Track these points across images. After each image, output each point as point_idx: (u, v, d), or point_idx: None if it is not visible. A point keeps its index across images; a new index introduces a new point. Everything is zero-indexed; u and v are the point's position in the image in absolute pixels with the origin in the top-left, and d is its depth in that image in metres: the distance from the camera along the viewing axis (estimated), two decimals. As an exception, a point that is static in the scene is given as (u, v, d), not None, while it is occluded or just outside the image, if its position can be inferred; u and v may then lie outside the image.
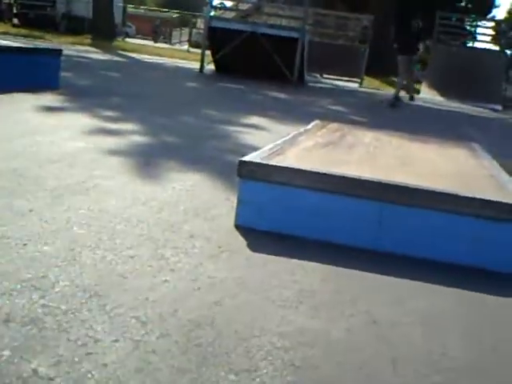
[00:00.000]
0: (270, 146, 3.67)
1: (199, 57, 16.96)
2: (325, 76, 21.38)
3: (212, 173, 4.28)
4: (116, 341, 1.84)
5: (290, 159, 3.31)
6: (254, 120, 7.69)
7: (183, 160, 4.64)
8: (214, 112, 8.09)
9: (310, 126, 4.85)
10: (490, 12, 33.99)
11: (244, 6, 30.92)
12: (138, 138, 5.38)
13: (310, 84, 17.49)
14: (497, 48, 26.43)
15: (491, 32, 27.85)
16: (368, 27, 22.93)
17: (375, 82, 23.01)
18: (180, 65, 18.86)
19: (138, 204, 3.31)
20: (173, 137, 5.73)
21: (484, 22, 29.34)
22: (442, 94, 19.35)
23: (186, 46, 34.31)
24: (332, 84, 19.64)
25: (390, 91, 20.31)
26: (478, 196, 2.94)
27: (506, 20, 34.00)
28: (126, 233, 2.83)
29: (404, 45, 14.66)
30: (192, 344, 1.88)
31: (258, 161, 3.10)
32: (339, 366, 1.89)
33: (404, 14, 27.92)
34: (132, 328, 1.93)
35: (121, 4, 33.02)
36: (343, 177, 2.98)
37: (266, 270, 2.59)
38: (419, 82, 22.67)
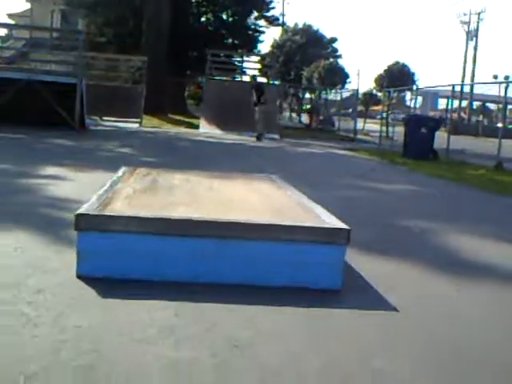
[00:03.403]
0: (95, 196, 3.82)
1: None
2: (104, 118, 21.38)
3: (34, 228, 4.31)
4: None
5: (121, 207, 3.50)
6: (52, 170, 7.64)
7: (4, 218, 4.60)
8: (5, 166, 7.90)
9: (120, 173, 5.02)
10: (255, 47, 36.19)
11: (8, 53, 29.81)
12: None
13: (92, 128, 17.40)
14: (265, 80, 28.14)
15: (258, 66, 29.84)
16: (142, 68, 23.42)
17: (154, 121, 23.49)
18: None
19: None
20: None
21: (252, 56, 31.19)
22: (221, 128, 20.29)
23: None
24: (113, 126, 19.72)
25: (169, 128, 20.95)
26: (294, 224, 3.37)
27: (269, 54, 36.31)
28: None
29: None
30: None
31: (94, 213, 3.26)
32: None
33: (177, 53, 28.97)
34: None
35: None
36: (174, 219, 3.26)
37: (128, 310, 2.78)
38: (198, 118, 23.58)
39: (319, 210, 3.97)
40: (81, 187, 6.43)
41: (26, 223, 4.48)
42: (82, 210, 3.31)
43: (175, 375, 2.23)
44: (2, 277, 3.20)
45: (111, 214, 3.28)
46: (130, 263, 3.25)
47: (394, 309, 3.18)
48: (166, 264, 3.26)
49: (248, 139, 17.70)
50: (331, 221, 3.58)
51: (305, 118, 36.81)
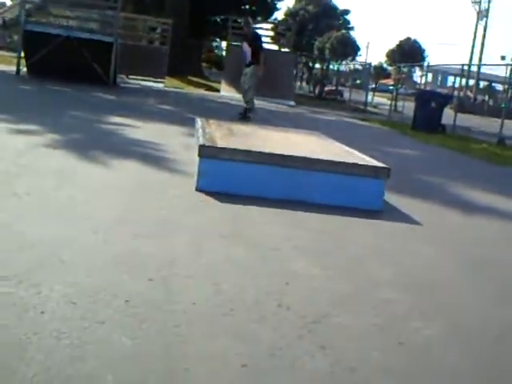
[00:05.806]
0: (201, 137, 5.12)
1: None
2: (130, 77, 22.53)
3: (141, 159, 5.68)
4: None
5: (224, 144, 4.85)
6: (117, 119, 8.96)
7: (112, 151, 5.94)
8: (77, 113, 9.27)
9: (200, 123, 6.32)
10: (272, 14, 37.29)
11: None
12: (54, 137, 6.46)
13: (122, 85, 18.54)
14: (276, 48, 29.10)
15: (271, 33, 30.82)
16: (168, 30, 24.52)
17: (174, 82, 24.66)
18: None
19: (121, 181, 4.69)
20: (78, 134, 6.93)
21: (264, 24, 32.15)
22: (240, 92, 21.45)
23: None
24: (140, 84, 20.89)
25: (190, 90, 22.20)
26: (352, 161, 4.74)
27: (282, 21, 37.37)
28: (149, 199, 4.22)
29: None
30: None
31: (212, 145, 4.62)
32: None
33: (194, 17, 30.05)
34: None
35: None
36: (271, 153, 4.63)
37: (242, 210, 4.17)
38: (213, 81, 24.72)
39: (363, 155, 5.33)
40: (152, 133, 7.80)
41: (133, 156, 5.82)
42: (202, 142, 4.66)
43: (287, 239, 3.60)
44: (150, 187, 4.60)
45: (224, 146, 4.64)
46: (236, 183, 4.61)
47: (418, 223, 4.60)
48: (262, 185, 4.62)
49: (267, 105, 18.85)
50: (375, 162, 4.96)
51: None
